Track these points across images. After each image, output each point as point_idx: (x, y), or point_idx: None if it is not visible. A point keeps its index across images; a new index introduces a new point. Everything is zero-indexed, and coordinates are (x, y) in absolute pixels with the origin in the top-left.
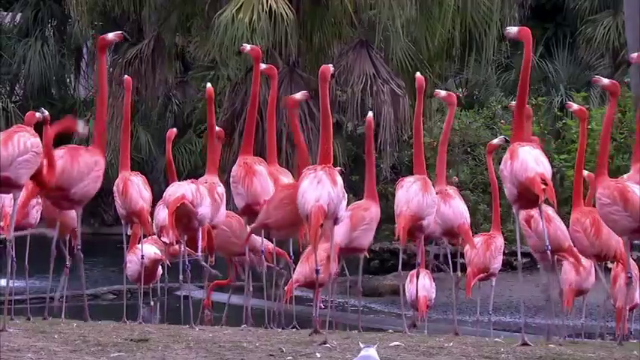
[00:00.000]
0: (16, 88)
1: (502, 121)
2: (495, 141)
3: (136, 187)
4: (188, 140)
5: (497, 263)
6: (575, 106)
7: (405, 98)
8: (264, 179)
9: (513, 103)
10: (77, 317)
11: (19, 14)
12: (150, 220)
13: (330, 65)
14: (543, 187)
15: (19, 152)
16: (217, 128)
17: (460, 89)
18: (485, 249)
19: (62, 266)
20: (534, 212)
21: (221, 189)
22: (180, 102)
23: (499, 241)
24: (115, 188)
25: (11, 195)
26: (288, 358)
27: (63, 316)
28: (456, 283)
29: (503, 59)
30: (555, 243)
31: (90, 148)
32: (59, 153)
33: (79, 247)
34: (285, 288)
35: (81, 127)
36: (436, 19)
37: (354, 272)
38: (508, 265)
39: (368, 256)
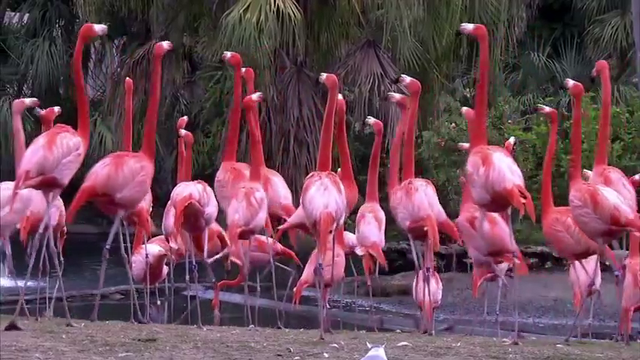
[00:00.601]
0: (24, 88)
1: (509, 121)
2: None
3: None
4: (195, 140)
5: (504, 263)
6: (546, 109)
7: None
8: None
9: (464, 108)
10: (84, 317)
11: (27, 14)
12: (149, 220)
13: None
14: (523, 200)
15: (64, 154)
16: (184, 132)
17: (467, 89)
18: None
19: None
20: (477, 213)
21: (260, 194)
22: (188, 102)
23: None
24: None
25: (41, 199)
26: (296, 358)
27: (68, 315)
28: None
29: (511, 59)
30: (500, 245)
31: (137, 154)
32: (105, 161)
33: (108, 247)
34: (294, 289)
35: (99, 29)
36: (444, 18)
37: (361, 272)
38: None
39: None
